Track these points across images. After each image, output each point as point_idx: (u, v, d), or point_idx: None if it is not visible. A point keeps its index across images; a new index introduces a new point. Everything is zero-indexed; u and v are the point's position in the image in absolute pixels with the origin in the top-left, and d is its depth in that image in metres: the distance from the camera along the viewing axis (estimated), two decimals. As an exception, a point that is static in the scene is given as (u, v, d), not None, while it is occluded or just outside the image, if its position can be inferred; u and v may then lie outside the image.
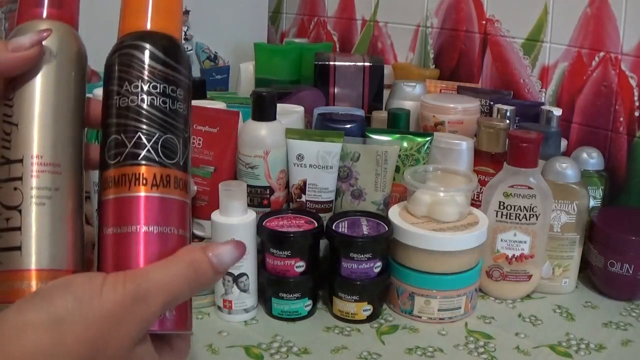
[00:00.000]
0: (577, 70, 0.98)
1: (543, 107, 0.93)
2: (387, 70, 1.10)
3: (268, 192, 0.79)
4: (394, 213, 0.76)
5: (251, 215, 0.72)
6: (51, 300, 0.32)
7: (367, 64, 1.02)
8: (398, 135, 0.83)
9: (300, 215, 0.76)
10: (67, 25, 0.38)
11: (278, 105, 0.81)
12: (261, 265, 0.74)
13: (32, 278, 0.34)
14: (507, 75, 1.07)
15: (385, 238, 0.73)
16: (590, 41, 0.96)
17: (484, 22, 1.08)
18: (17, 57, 0.36)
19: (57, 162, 0.36)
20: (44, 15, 0.38)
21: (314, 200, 0.80)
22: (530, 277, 0.78)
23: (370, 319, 0.73)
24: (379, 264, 0.72)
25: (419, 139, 0.83)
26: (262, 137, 0.78)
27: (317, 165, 0.79)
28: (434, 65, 1.17)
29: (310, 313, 0.74)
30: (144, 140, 0.36)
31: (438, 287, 0.72)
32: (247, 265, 0.72)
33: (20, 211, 0.35)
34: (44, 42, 0.37)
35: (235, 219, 0.70)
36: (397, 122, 0.89)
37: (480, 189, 0.82)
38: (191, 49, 1.15)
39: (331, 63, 1.01)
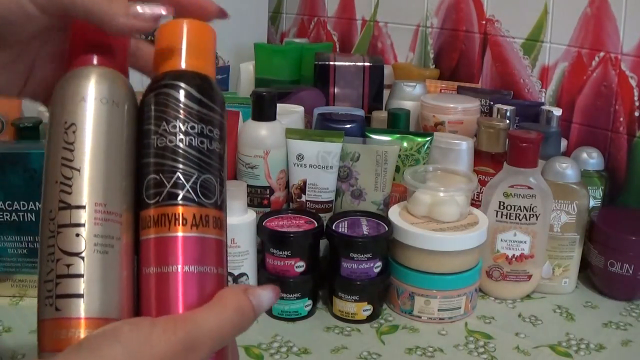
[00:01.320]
0: (577, 70, 0.98)
1: (543, 107, 0.93)
2: (387, 70, 1.10)
3: (268, 192, 0.79)
4: (394, 213, 0.76)
5: (251, 215, 0.72)
6: (100, 351, 0.32)
7: (367, 64, 1.02)
8: (398, 135, 0.83)
9: (300, 215, 0.76)
10: (118, 72, 0.39)
11: (278, 105, 0.81)
12: (261, 265, 0.74)
13: (96, 326, 0.34)
14: (507, 75, 1.07)
15: (385, 238, 0.73)
16: (590, 41, 0.96)
17: (484, 22, 1.08)
18: (130, 25, 0.36)
19: (119, 211, 0.36)
20: (95, 61, 0.38)
21: (314, 200, 0.80)
22: (530, 277, 0.78)
23: (370, 319, 0.73)
24: (379, 264, 0.72)
25: (419, 139, 0.83)
26: (262, 137, 0.78)
27: (317, 165, 0.79)
28: (434, 65, 1.17)
29: (310, 313, 0.74)
30: (183, 181, 0.37)
31: (438, 287, 0.72)
32: (247, 265, 0.72)
33: (83, 258, 0.35)
34: (104, 92, 0.37)
35: (235, 219, 0.70)
36: (397, 122, 0.89)
37: (480, 189, 0.82)
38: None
39: (331, 63, 1.01)
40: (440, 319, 0.73)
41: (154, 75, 0.39)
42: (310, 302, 0.73)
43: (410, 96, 1.00)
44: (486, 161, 0.85)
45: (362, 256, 0.71)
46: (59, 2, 0.36)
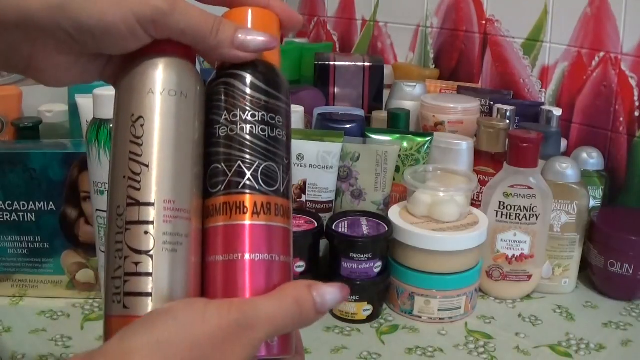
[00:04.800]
0: (577, 70, 0.98)
1: (543, 107, 0.93)
2: (387, 70, 1.10)
3: (268, 192, 0.79)
4: (394, 213, 0.76)
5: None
6: (153, 326, 0.32)
7: (367, 64, 1.02)
8: (398, 135, 0.83)
9: (300, 215, 0.76)
10: (186, 61, 0.38)
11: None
12: (261, 265, 0.74)
13: None
14: (507, 75, 1.07)
15: (385, 238, 0.73)
16: (590, 41, 0.96)
17: (484, 22, 1.08)
18: (235, 56, 0.37)
19: (188, 208, 0.36)
20: (163, 49, 0.37)
21: (314, 200, 0.80)
22: (530, 277, 0.78)
23: (370, 319, 0.73)
24: (379, 264, 0.72)
25: (419, 139, 0.83)
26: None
27: (317, 165, 0.79)
28: (434, 65, 1.17)
29: (310, 313, 0.74)
30: (245, 169, 0.37)
31: (438, 287, 0.72)
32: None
33: (151, 257, 0.34)
34: (173, 83, 0.37)
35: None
36: (397, 122, 0.89)
37: (480, 189, 0.82)
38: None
39: (331, 63, 1.01)
40: (440, 319, 0.73)
41: (219, 63, 0.39)
42: (310, 302, 0.73)
43: (410, 96, 1.00)
44: (486, 161, 0.85)
45: (362, 256, 0.71)
46: (167, 31, 0.36)
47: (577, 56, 0.98)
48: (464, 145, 0.84)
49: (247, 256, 0.36)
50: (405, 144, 0.82)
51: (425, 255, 0.72)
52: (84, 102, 0.80)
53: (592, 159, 0.86)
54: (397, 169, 0.82)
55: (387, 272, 0.74)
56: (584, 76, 0.97)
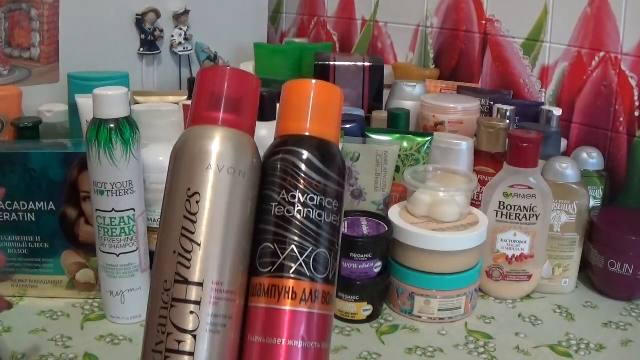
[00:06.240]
0: (577, 70, 0.98)
1: (543, 107, 0.93)
2: (387, 70, 1.10)
3: (268, 192, 0.79)
4: (394, 213, 0.76)
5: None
6: None
7: (367, 64, 1.02)
8: (398, 135, 0.83)
9: (300, 215, 0.76)
10: (244, 134, 0.38)
11: (278, 105, 0.81)
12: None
13: None
14: (507, 75, 1.07)
15: (385, 238, 0.73)
16: (590, 41, 0.96)
17: (484, 22, 1.08)
18: None
19: (234, 289, 0.36)
20: (220, 121, 0.37)
21: (314, 200, 0.80)
22: (530, 277, 0.78)
23: (370, 319, 0.73)
24: (379, 264, 0.72)
25: (419, 139, 0.83)
26: (262, 137, 0.77)
27: (317, 165, 0.79)
28: (434, 65, 1.17)
29: (310, 313, 0.74)
30: (297, 254, 0.36)
31: (438, 287, 0.72)
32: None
33: (195, 337, 0.34)
34: (232, 161, 0.36)
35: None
36: (397, 122, 0.89)
37: (480, 189, 0.82)
38: (191, 49, 1.15)
39: (331, 63, 1.01)
40: (440, 319, 0.73)
41: (278, 136, 0.39)
42: (310, 302, 0.73)
43: (410, 96, 1.00)
44: (486, 161, 0.85)
45: (362, 256, 0.71)
46: None
47: (577, 56, 0.98)
48: (464, 145, 0.84)
49: (285, 342, 0.36)
50: (405, 144, 0.82)
51: (425, 255, 0.72)
52: (84, 102, 0.80)
53: (592, 159, 0.86)
54: (397, 169, 0.82)
55: (387, 272, 0.74)
56: (584, 76, 0.97)
